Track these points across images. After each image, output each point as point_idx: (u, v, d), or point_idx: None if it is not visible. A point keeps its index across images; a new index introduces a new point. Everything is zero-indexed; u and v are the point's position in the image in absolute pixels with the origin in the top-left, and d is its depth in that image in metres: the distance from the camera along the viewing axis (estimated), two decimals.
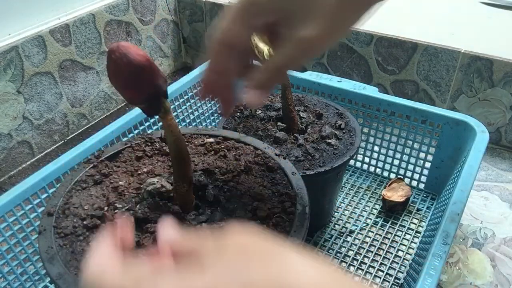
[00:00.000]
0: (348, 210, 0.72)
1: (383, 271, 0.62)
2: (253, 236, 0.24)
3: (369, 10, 0.34)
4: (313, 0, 0.33)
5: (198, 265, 0.22)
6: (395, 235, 0.68)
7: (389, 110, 0.71)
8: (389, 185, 0.73)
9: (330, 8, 0.32)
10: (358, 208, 0.72)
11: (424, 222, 0.70)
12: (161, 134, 0.50)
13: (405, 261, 0.63)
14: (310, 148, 0.58)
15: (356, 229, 0.68)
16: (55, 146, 0.90)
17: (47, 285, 0.59)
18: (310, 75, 0.77)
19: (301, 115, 0.64)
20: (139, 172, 0.44)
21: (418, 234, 0.67)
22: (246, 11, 0.34)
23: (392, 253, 0.65)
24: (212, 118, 0.84)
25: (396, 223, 0.69)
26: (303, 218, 0.39)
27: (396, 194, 0.71)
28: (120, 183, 0.43)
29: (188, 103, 0.78)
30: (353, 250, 0.65)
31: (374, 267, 0.62)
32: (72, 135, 0.94)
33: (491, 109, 0.84)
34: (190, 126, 0.79)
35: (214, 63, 0.35)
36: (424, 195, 0.75)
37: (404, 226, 0.69)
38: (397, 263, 0.63)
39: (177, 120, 0.77)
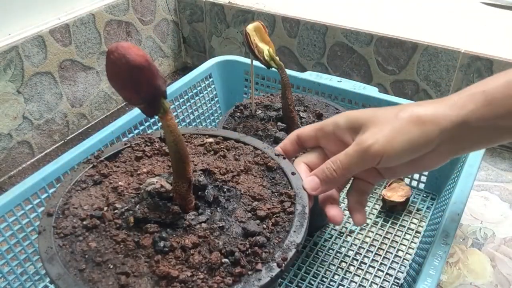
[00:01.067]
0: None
1: (383, 271, 0.62)
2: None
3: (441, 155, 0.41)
4: (386, 115, 0.41)
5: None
6: (395, 235, 0.68)
7: None
8: (389, 185, 0.73)
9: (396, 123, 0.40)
10: None
11: (424, 222, 0.69)
12: (160, 134, 0.50)
13: (405, 261, 0.63)
14: None
15: (356, 229, 0.68)
16: (55, 146, 0.90)
17: (47, 285, 0.59)
18: (310, 75, 0.77)
19: (301, 115, 0.64)
20: (138, 172, 0.44)
21: (418, 234, 0.67)
22: (325, 129, 0.46)
23: (392, 253, 0.64)
24: (212, 118, 0.84)
25: (396, 223, 0.69)
26: (303, 218, 0.39)
27: (396, 194, 0.71)
28: (120, 183, 0.43)
29: (188, 103, 0.78)
30: (353, 250, 0.65)
31: (374, 267, 0.62)
32: (72, 135, 0.94)
33: None
34: (190, 126, 0.79)
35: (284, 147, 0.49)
36: (424, 195, 0.75)
37: (404, 226, 0.69)
38: (397, 263, 0.63)
39: (177, 120, 0.77)
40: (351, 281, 0.61)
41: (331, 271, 0.62)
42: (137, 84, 0.29)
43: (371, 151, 0.39)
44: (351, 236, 0.67)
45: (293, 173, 0.45)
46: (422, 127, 0.38)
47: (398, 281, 0.61)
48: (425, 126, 0.38)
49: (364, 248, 0.65)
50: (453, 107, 0.38)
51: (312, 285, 0.60)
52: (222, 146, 0.48)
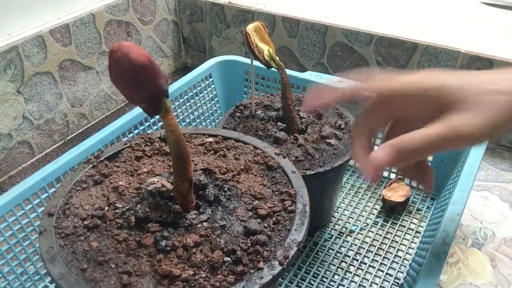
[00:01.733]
0: (348, 210, 0.72)
1: (383, 271, 0.62)
2: None
3: None
4: (480, 96, 0.37)
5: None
6: (395, 235, 0.68)
7: None
8: (389, 185, 0.73)
9: (494, 109, 0.36)
10: (358, 208, 0.72)
11: (424, 222, 0.70)
12: (160, 134, 0.50)
13: (405, 261, 0.63)
14: (310, 148, 0.58)
15: (356, 229, 0.68)
16: (55, 146, 0.90)
17: (47, 285, 0.59)
18: (310, 75, 0.77)
19: (301, 115, 0.64)
20: (139, 172, 0.44)
21: (418, 234, 0.67)
22: (397, 100, 0.40)
23: (392, 253, 0.65)
24: (212, 118, 0.84)
25: (396, 223, 0.69)
26: (304, 216, 0.39)
27: (396, 194, 0.71)
28: (120, 183, 0.43)
29: (188, 103, 0.78)
30: (353, 250, 0.65)
31: (374, 267, 0.63)
32: (72, 135, 0.94)
33: None
34: (190, 126, 0.79)
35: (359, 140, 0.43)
36: (424, 195, 0.75)
37: (404, 226, 0.69)
38: (397, 263, 0.63)
39: (177, 120, 0.77)
40: (351, 281, 0.61)
41: (331, 271, 0.62)
42: (140, 83, 0.29)
43: (466, 136, 0.36)
44: (351, 236, 0.67)
45: (293, 172, 0.45)
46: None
47: (398, 281, 0.61)
48: None
49: (364, 248, 0.65)
50: None
51: (312, 285, 0.60)
52: (222, 146, 0.48)
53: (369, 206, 0.73)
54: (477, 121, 0.36)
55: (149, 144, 0.49)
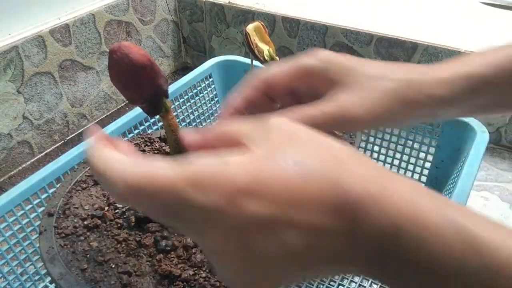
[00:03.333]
0: None
1: None
2: (296, 126, 0.24)
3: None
4: (371, 78, 0.34)
5: (249, 142, 0.23)
6: None
7: None
8: None
9: (383, 93, 0.34)
10: None
11: None
12: (160, 134, 0.50)
13: None
14: None
15: None
16: (55, 146, 0.90)
17: (47, 285, 0.59)
18: None
19: None
20: None
21: None
22: (298, 68, 0.35)
23: None
24: (212, 118, 0.84)
25: None
26: None
27: None
28: None
29: (188, 103, 0.78)
30: None
31: None
32: (72, 135, 0.94)
33: None
34: (190, 127, 0.79)
35: (246, 94, 0.36)
36: None
37: None
38: None
39: (177, 120, 0.77)
40: (351, 281, 0.61)
41: None
42: (140, 83, 0.29)
43: (353, 117, 0.34)
44: None
45: None
46: (405, 106, 0.34)
47: None
48: (408, 105, 0.34)
49: None
50: (442, 85, 0.35)
51: (312, 285, 0.60)
52: None
53: None
54: (366, 103, 0.34)
55: (149, 144, 0.49)
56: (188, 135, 0.27)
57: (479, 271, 0.20)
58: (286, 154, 0.22)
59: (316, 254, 0.21)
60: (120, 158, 0.23)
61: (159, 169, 0.21)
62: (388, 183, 0.22)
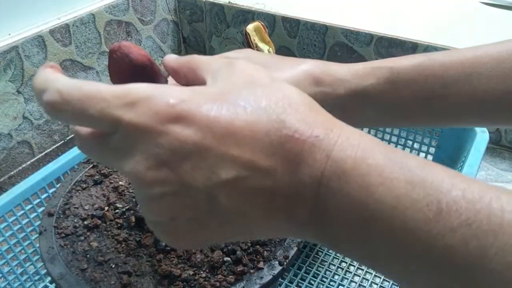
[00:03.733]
0: None
1: None
2: (261, 70, 0.24)
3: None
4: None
5: (209, 77, 0.24)
6: None
7: None
8: None
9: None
10: None
11: None
12: None
13: None
14: None
15: None
16: (55, 146, 0.90)
17: (47, 285, 0.59)
18: None
19: None
20: None
21: None
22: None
23: None
24: None
25: None
26: None
27: None
28: (120, 183, 0.43)
29: None
30: None
31: None
32: (72, 135, 0.94)
33: None
34: None
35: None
36: None
37: None
38: None
39: None
40: (351, 281, 0.61)
41: (331, 271, 0.62)
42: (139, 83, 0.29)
43: None
44: None
45: None
46: (319, 88, 0.35)
47: None
48: (322, 87, 0.35)
49: None
50: (355, 75, 0.36)
51: (312, 285, 0.60)
52: None
53: None
54: (288, 81, 0.34)
55: None
56: (168, 56, 0.28)
57: (425, 212, 0.18)
58: (239, 97, 0.21)
59: (247, 192, 0.20)
60: (60, 76, 0.22)
61: (94, 84, 0.21)
62: (336, 126, 0.21)
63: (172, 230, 0.21)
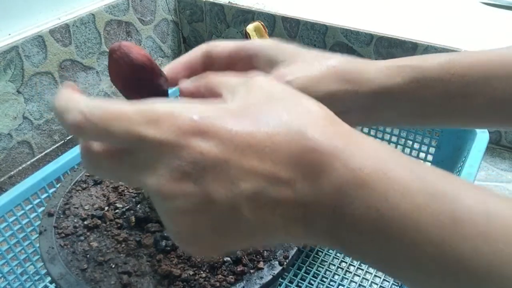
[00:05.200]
0: None
1: None
2: (280, 85, 0.24)
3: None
4: (309, 58, 0.35)
5: (228, 95, 0.24)
6: None
7: None
8: None
9: (319, 65, 0.34)
10: None
11: None
12: None
13: None
14: None
15: None
16: (55, 146, 0.90)
17: (47, 285, 0.59)
18: None
19: None
20: None
21: None
22: (241, 46, 0.35)
23: None
24: None
25: None
26: None
27: None
28: (120, 183, 0.43)
29: None
30: None
31: None
32: (72, 135, 0.94)
33: None
34: None
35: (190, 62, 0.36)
36: None
37: None
38: None
39: None
40: (351, 281, 0.61)
41: (331, 271, 0.62)
42: (139, 83, 0.29)
43: (289, 83, 0.34)
44: None
45: None
46: (343, 85, 0.34)
47: (398, 281, 0.61)
48: (346, 85, 0.35)
49: None
50: (381, 74, 0.35)
51: (312, 285, 0.60)
52: None
53: None
54: (312, 75, 0.34)
55: None
56: (183, 82, 0.28)
57: (441, 220, 0.19)
58: (260, 112, 0.21)
59: (268, 203, 0.20)
60: (81, 96, 0.22)
61: (115, 104, 0.21)
62: (356, 138, 0.21)
63: (195, 241, 0.22)
